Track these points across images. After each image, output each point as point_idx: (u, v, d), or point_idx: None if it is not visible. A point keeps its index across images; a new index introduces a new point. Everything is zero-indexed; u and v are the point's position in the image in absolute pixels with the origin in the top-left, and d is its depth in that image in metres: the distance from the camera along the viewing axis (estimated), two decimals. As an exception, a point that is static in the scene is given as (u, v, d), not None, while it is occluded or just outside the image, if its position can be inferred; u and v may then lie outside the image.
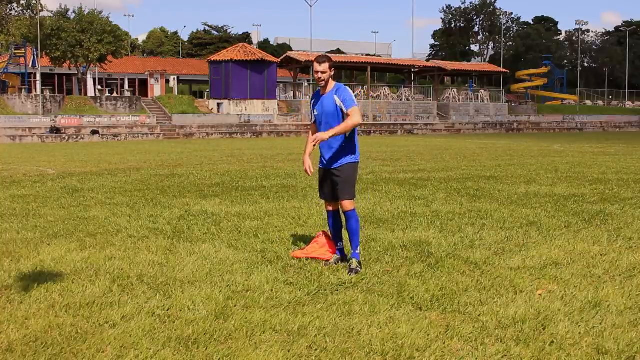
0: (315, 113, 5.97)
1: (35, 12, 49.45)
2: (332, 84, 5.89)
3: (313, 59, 5.94)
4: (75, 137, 39.91)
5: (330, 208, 6.09)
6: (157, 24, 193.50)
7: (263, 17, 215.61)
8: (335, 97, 5.82)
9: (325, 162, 5.96)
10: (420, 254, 6.34)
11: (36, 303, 4.82)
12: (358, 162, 5.97)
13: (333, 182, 5.91)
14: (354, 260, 5.79)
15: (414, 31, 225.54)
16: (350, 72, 63.96)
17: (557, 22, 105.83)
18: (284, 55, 57.45)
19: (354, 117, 5.70)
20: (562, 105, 71.57)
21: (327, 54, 5.95)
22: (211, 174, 15.29)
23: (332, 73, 5.86)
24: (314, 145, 5.76)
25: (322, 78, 5.80)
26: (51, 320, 4.42)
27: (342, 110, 5.80)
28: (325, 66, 5.77)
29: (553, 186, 12.07)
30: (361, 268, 5.73)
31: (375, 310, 4.62)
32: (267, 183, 13.02)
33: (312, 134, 6.11)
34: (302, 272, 5.67)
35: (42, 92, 45.99)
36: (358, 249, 5.89)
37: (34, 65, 48.56)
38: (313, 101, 6.05)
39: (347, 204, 5.85)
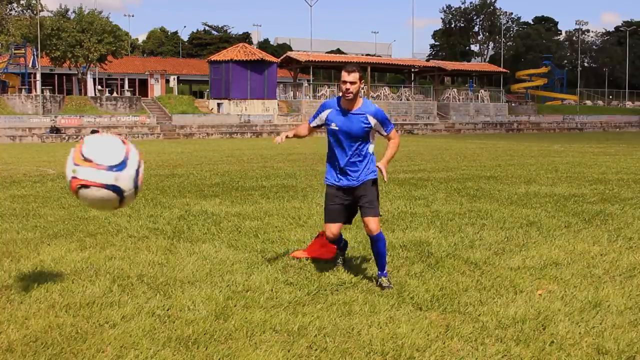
0: (335, 128, 5.28)
1: (35, 12, 49.44)
2: (359, 100, 5.25)
3: (342, 68, 5.29)
4: (75, 137, 39.83)
5: (335, 232, 5.48)
6: (157, 24, 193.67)
7: (263, 17, 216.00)
8: (371, 118, 5.20)
9: (347, 180, 5.35)
10: (420, 254, 6.34)
11: (36, 303, 4.82)
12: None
13: (355, 200, 5.37)
14: (384, 278, 5.25)
15: (414, 31, 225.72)
16: (350, 72, 63.87)
17: (557, 22, 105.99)
18: (284, 55, 57.45)
19: (398, 139, 5.58)
20: (562, 105, 71.54)
21: (356, 63, 5.49)
22: (211, 174, 15.28)
23: (362, 85, 5.22)
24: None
25: (351, 90, 5.11)
26: (51, 320, 4.42)
27: (371, 130, 5.28)
28: (355, 76, 5.10)
29: (553, 186, 12.08)
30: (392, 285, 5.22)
31: (375, 310, 4.62)
32: (267, 183, 13.01)
33: (301, 131, 5.63)
34: (302, 272, 5.67)
35: (42, 92, 45.93)
36: (385, 268, 5.35)
37: (34, 65, 48.51)
38: (331, 110, 5.33)
39: (376, 224, 5.25)
